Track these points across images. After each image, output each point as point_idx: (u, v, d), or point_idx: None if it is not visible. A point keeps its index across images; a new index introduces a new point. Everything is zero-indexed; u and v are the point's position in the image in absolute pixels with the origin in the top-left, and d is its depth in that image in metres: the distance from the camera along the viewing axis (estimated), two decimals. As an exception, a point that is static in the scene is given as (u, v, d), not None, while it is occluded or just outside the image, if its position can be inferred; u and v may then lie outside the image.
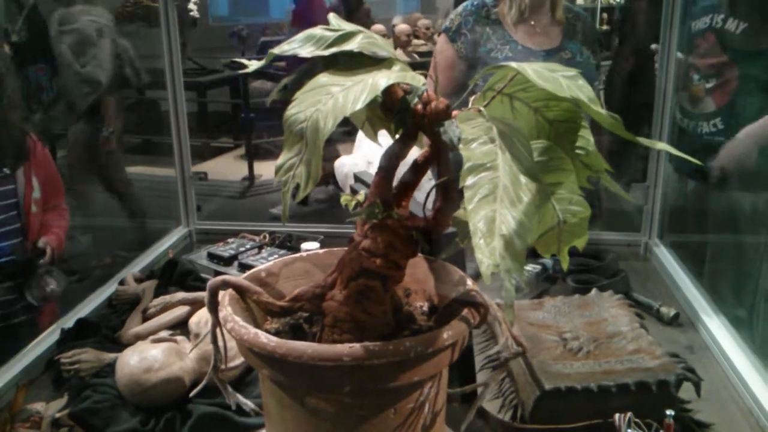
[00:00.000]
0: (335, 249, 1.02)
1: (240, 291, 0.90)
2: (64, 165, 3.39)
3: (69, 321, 1.53)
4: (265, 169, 5.38)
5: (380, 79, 0.72)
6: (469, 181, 0.63)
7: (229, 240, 1.92)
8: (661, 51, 1.91)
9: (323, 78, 0.74)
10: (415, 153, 0.85)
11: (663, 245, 1.97)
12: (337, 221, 2.16)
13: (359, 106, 0.69)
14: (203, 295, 0.90)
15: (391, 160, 0.82)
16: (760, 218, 1.92)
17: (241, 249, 1.84)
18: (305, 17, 4.48)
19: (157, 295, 1.56)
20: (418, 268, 0.97)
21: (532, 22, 1.92)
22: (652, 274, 1.85)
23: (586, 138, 0.83)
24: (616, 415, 1.03)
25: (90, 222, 3.27)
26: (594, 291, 1.43)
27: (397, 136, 0.81)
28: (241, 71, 0.90)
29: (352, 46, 0.77)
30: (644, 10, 3.36)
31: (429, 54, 5.68)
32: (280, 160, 0.74)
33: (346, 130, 3.80)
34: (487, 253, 0.59)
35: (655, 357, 1.14)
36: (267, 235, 1.96)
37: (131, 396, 1.19)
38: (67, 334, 1.46)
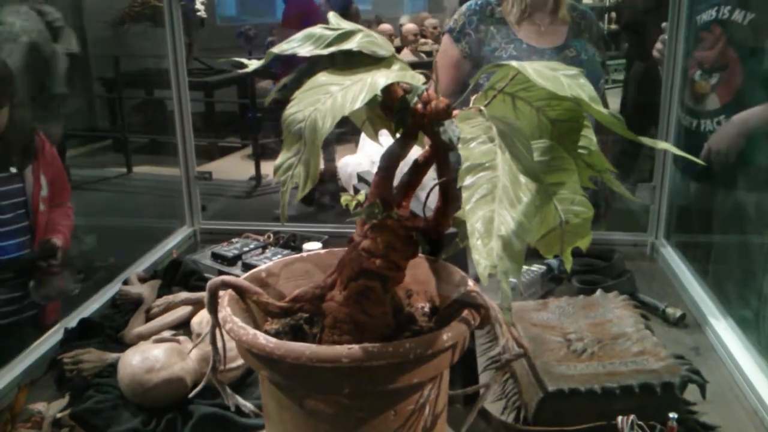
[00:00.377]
0: (336, 249, 1.02)
1: (239, 291, 0.90)
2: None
3: (72, 321, 1.53)
4: (271, 169, 5.38)
5: (379, 78, 0.71)
6: (467, 181, 0.63)
7: (233, 240, 1.92)
8: (668, 47, 1.89)
9: (322, 77, 0.74)
10: (416, 153, 0.85)
11: (669, 245, 1.96)
12: (343, 221, 2.16)
13: (358, 105, 0.69)
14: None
15: (390, 159, 0.81)
16: (767, 219, 1.90)
17: (245, 249, 1.83)
18: (296, 18, 4.43)
19: (160, 295, 1.56)
20: (419, 269, 0.96)
21: (536, 21, 1.91)
22: (658, 275, 1.84)
23: (588, 137, 0.83)
24: (619, 418, 1.02)
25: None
26: (599, 292, 1.42)
27: (398, 136, 0.81)
28: (241, 71, 0.90)
29: (351, 45, 0.77)
30: (653, 7, 3.34)
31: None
32: (278, 160, 0.73)
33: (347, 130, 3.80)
34: (484, 254, 0.58)
35: (659, 359, 1.13)
36: (271, 235, 1.95)
37: (133, 396, 1.19)
38: (70, 333, 1.46)
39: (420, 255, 0.91)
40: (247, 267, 1.73)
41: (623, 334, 1.22)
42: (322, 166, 4.71)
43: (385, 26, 6.40)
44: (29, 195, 1.99)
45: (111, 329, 1.46)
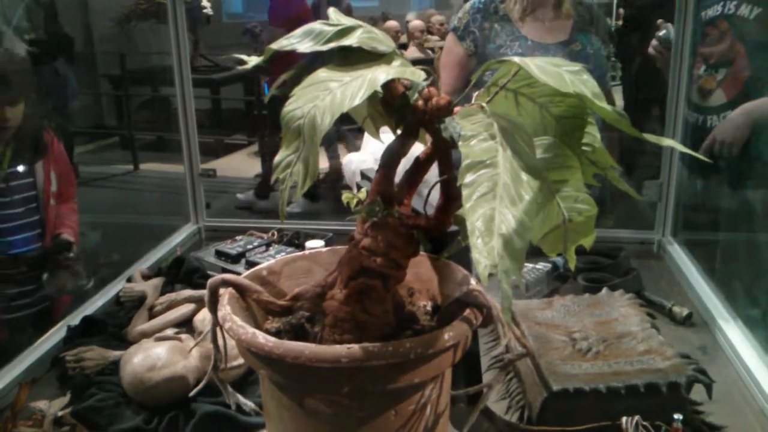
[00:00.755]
0: (338, 247, 1.01)
1: (240, 290, 0.89)
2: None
3: (76, 318, 1.52)
4: (278, 167, 5.39)
5: (379, 75, 0.70)
6: (468, 178, 0.61)
7: (237, 237, 1.91)
8: (675, 43, 1.87)
9: (321, 73, 0.73)
10: (418, 150, 0.84)
11: (676, 243, 1.94)
12: (347, 219, 2.15)
13: (357, 101, 0.68)
14: (207, 293, 0.89)
15: (391, 157, 0.80)
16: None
17: (249, 246, 1.83)
18: (282, 14, 4.32)
19: (163, 292, 1.56)
20: (422, 267, 0.95)
21: (540, 17, 1.90)
22: (665, 273, 1.82)
23: (592, 134, 0.81)
24: (624, 418, 1.01)
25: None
26: (604, 290, 1.41)
27: (398, 133, 0.80)
28: (240, 67, 0.89)
29: (351, 41, 0.76)
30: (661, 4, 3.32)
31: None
32: (278, 158, 0.72)
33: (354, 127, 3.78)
34: (485, 252, 0.57)
35: (665, 358, 1.12)
36: (275, 233, 1.95)
37: (135, 394, 1.19)
38: (73, 331, 1.46)
39: (423, 253, 0.90)
40: (250, 264, 1.73)
41: (629, 333, 1.20)
42: (325, 164, 4.71)
43: (392, 23, 6.38)
44: (40, 190, 1.99)
45: (115, 327, 1.46)
